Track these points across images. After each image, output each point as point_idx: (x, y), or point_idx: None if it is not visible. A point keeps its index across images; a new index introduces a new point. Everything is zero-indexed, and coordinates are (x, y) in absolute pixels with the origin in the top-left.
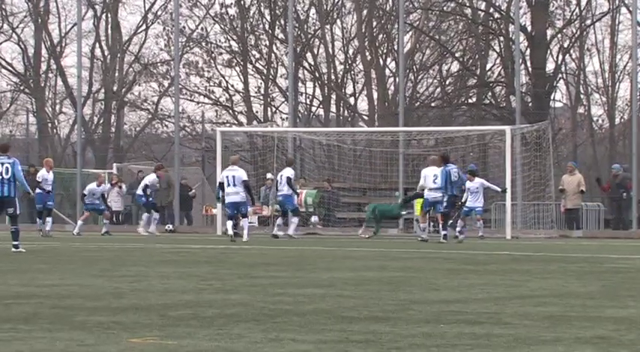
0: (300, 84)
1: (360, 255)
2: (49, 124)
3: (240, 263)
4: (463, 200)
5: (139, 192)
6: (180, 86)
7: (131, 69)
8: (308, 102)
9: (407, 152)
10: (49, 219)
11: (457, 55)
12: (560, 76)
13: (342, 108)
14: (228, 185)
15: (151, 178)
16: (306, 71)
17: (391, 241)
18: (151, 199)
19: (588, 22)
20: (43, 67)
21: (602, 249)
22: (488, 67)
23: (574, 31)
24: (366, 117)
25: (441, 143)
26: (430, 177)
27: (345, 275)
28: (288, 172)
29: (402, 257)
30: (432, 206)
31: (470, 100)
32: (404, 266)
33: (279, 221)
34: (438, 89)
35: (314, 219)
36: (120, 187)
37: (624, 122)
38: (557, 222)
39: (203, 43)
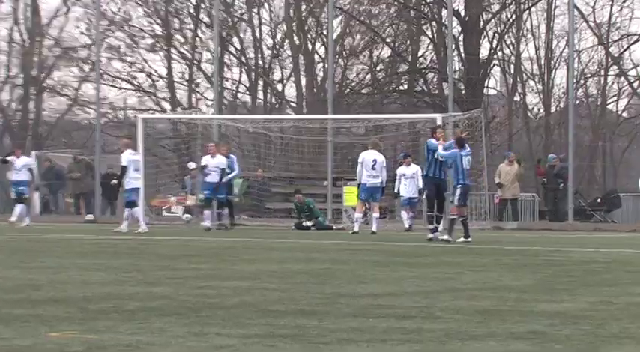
0: (225, 69)
1: (286, 247)
2: None
3: (161, 255)
4: (396, 189)
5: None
6: (101, 71)
7: (51, 53)
8: (234, 88)
9: (336, 140)
10: None
11: (388, 40)
12: (494, 62)
13: (269, 95)
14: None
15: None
16: (232, 56)
17: (319, 233)
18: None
19: (524, 6)
20: None
21: (537, 241)
22: (420, 53)
23: (509, 15)
24: (294, 104)
25: (371, 131)
26: (369, 161)
27: (270, 268)
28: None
29: (329, 249)
30: (370, 194)
31: (401, 87)
32: (331, 259)
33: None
34: (369, 75)
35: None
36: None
37: (560, 110)
38: (490, 214)
39: (125, 27)
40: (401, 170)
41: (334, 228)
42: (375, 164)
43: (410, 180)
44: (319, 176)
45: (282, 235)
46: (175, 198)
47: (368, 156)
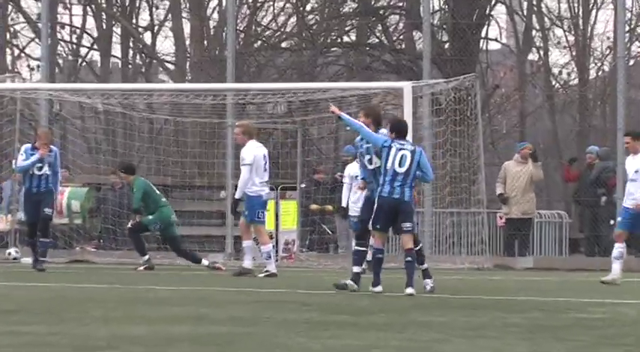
0: (61, 9)
1: (162, 297)
2: None
3: None
4: (344, 203)
5: None
6: None
7: None
8: (75, 40)
9: (240, 123)
10: None
11: None
12: None
13: (131, 51)
14: None
15: None
16: None
17: (213, 274)
18: None
19: None
20: None
21: (565, 287)
22: None
23: None
24: (171, 67)
25: (296, 110)
26: (261, 161)
27: (135, 331)
28: None
29: (230, 300)
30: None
31: (346, 38)
32: (232, 317)
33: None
34: (293, 20)
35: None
36: None
37: (604, 76)
38: (490, 243)
39: None
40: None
41: (206, 264)
42: (266, 164)
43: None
44: (211, 183)
45: (156, 279)
46: None
47: (259, 152)
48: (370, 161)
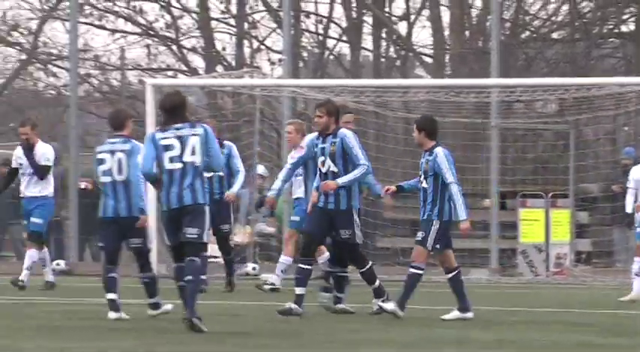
0: None
1: None
2: None
3: None
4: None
5: None
6: (80, 0)
7: None
8: (321, 31)
9: (503, 124)
10: None
11: None
12: None
13: (385, 43)
14: None
15: None
16: None
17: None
18: None
19: None
20: None
21: None
22: None
23: None
24: (429, 60)
25: (568, 108)
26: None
27: None
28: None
29: (495, 320)
30: None
31: (624, 28)
32: (501, 339)
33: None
34: (565, 8)
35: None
36: None
37: None
38: None
39: None
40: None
41: None
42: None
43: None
44: (476, 189)
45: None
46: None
47: None
48: None
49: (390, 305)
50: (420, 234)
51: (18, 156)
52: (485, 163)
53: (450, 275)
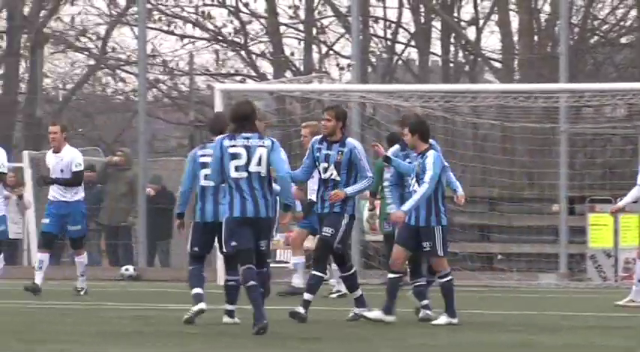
0: (374, 1)
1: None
2: None
3: None
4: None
5: None
6: (148, 6)
7: None
8: (389, 36)
9: (572, 129)
10: None
11: None
12: None
13: (453, 48)
14: None
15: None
16: None
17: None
18: None
19: None
20: None
21: None
22: None
23: None
24: (498, 65)
25: (637, 113)
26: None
27: None
28: None
29: (556, 325)
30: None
31: None
32: (567, 344)
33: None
34: (634, 13)
35: None
36: (20, 196)
37: None
38: None
39: None
40: None
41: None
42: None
43: None
44: (543, 194)
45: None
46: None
47: None
48: None
49: (372, 313)
50: (426, 244)
51: (48, 161)
52: (554, 168)
53: (442, 280)
